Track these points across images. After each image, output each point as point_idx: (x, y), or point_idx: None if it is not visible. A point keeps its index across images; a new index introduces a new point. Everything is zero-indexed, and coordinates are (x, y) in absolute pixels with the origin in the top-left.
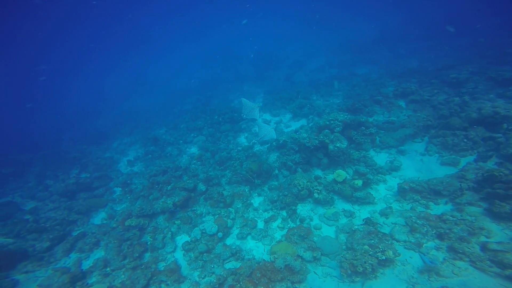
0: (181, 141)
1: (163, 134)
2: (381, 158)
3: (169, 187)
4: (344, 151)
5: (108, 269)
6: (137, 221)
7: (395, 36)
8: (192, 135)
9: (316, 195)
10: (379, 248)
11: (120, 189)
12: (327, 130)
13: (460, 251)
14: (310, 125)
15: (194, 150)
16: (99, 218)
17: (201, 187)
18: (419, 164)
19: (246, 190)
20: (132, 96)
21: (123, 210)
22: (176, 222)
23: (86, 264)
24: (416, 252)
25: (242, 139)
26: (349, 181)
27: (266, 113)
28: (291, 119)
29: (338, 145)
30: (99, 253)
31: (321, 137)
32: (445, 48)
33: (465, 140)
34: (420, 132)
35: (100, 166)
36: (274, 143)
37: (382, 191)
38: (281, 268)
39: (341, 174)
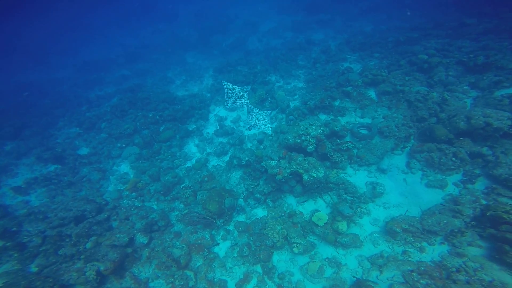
0: (104, 156)
1: (75, 138)
2: (360, 178)
3: (88, 245)
4: (321, 180)
5: None
6: None
7: None
8: (119, 145)
9: (295, 250)
10: None
11: None
12: (300, 158)
13: None
14: (273, 126)
15: (124, 168)
16: None
17: (141, 239)
18: (402, 186)
19: (207, 236)
20: (21, 70)
21: None
22: None
23: None
24: None
25: (192, 148)
26: (331, 223)
27: (220, 105)
28: None
29: (314, 175)
30: None
31: (294, 166)
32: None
33: (453, 159)
34: (400, 143)
35: None
36: (235, 160)
37: (367, 226)
38: None
39: (322, 217)
